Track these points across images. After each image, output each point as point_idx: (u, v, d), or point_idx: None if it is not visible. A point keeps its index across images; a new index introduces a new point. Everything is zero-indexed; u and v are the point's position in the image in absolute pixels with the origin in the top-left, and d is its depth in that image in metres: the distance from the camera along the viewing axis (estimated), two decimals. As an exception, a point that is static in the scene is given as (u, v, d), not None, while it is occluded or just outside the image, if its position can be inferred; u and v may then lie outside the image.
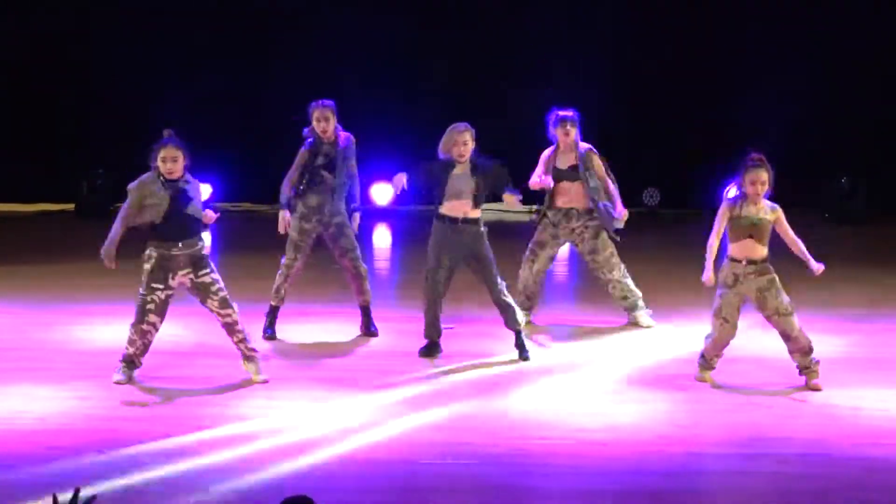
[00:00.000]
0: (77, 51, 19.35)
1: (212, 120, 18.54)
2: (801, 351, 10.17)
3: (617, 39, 19.16)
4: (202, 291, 10.04)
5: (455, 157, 10.80)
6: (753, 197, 10.14)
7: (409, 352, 11.01)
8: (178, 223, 9.90)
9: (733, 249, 10.14)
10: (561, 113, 12.05)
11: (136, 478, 8.00)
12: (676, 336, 11.80)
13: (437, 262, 10.82)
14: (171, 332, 10.88)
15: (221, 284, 10.06)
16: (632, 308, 12.18)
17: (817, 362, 10.17)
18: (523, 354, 10.86)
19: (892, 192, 19.02)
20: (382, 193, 19.88)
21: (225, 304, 10.07)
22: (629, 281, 12.16)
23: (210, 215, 10.18)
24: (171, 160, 9.92)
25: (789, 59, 18.88)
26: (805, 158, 19.02)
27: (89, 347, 11.16)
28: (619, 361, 10.97)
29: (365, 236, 18.52)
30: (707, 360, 10.27)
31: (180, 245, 9.89)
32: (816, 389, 10.07)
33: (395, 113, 19.34)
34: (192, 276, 9.98)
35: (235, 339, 10.17)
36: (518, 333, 10.89)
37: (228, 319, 10.11)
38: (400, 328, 11.83)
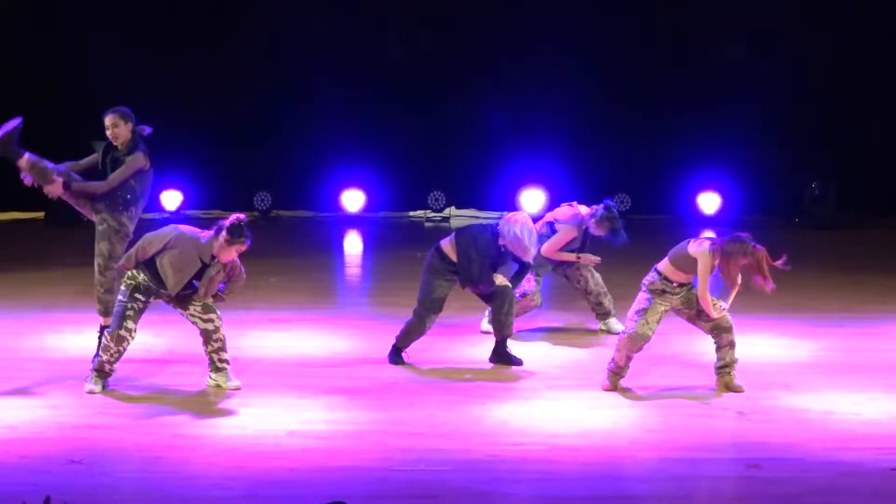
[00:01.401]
0: (47, 57, 19.26)
1: (183, 128, 18.48)
2: (731, 344, 10.18)
3: (591, 45, 19.18)
4: (184, 301, 10.03)
5: None
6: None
7: (380, 358, 11.01)
8: None
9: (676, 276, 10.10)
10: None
11: (107, 486, 7.99)
12: (651, 341, 11.80)
13: (434, 291, 10.84)
14: (142, 339, 10.84)
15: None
16: (605, 315, 12.21)
17: (737, 361, 10.21)
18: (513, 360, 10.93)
19: (862, 196, 19.10)
20: (353, 200, 19.82)
21: (207, 309, 10.05)
22: (603, 289, 12.19)
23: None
24: None
25: (759, 66, 18.95)
26: (775, 164, 19.12)
27: (60, 356, 11.12)
28: (591, 367, 10.98)
29: (336, 243, 18.53)
30: (619, 367, 10.27)
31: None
32: (739, 391, 10.13)
33: (367, 118, 19.31)
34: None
35: (209, 349, 10.15)
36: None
37: (210, 326, 10.08)
38: (371, 335, 11.83)
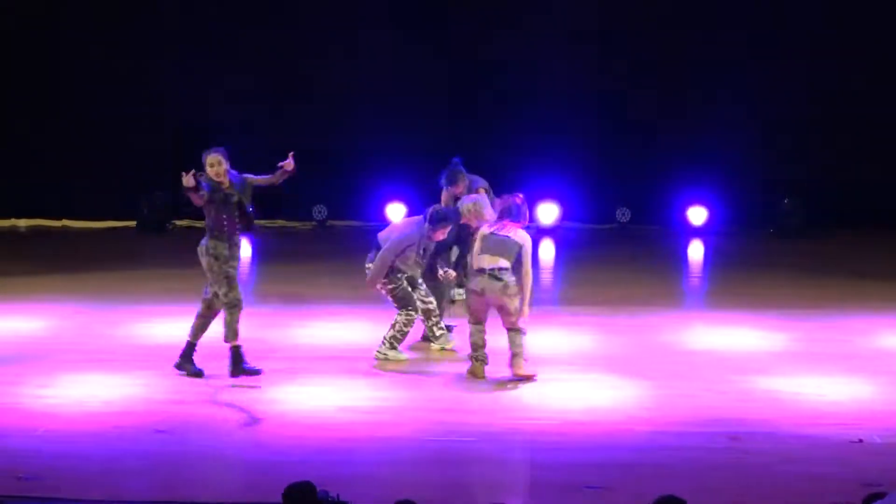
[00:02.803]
0: (143, 77, 19.20)
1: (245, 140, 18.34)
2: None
3: (593, 68, 19.11)
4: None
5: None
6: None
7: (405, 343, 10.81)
8: None
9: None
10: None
11: (187, 453, 8.02)
12: (646, 332, 11.77)
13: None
14: (215, 328, 10.86)
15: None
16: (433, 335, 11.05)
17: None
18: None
19: (827, 211, 18.97)
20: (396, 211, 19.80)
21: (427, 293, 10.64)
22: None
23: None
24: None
25: (738, 96, 18.86)
26: (754, 182, 19.03)
27: (149, 342, 11.14)
28: (595, 353, 10.95)
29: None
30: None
31: None
32: (530, 378, 9.86)
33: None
34: None
35: (429, 324, 10.65)
36: None
37: (430, 306, 10.59)
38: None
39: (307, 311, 12.47)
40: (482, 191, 11.69)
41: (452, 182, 11.81)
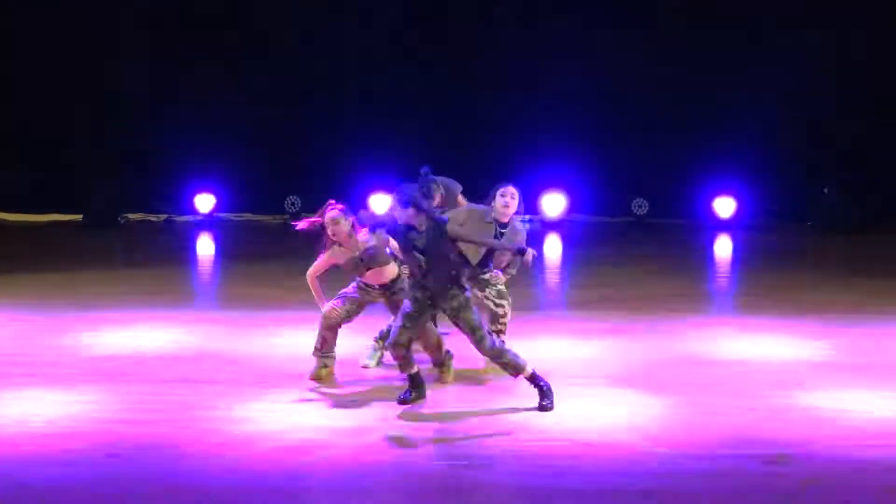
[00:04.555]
0: (90, 64, 19.33)
1: (217, 135, 18.56)
2: (436, 345, 10.29)
3: (613, 55, 19.19)
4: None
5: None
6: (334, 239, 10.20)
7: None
8: None
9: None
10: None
11: (140, 480, 7.99)
12: (667, 340, 11.78)
13: None
14: (173, 337, 10.84)
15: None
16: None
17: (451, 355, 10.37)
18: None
19: (874, 200, 19.02)
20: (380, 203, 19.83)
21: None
22: None
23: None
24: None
25: (772, 72, 18.91)
26: (788, 168, 19.07)
27: (97, 353, 11.13)
28: (610, 364, 10.95)
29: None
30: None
31: None
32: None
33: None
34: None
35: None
36: None
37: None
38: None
39: (280, 316, 12.46)
40: (460, 197, 11.73)
41: (428, 196, 11.80)
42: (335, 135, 19.84)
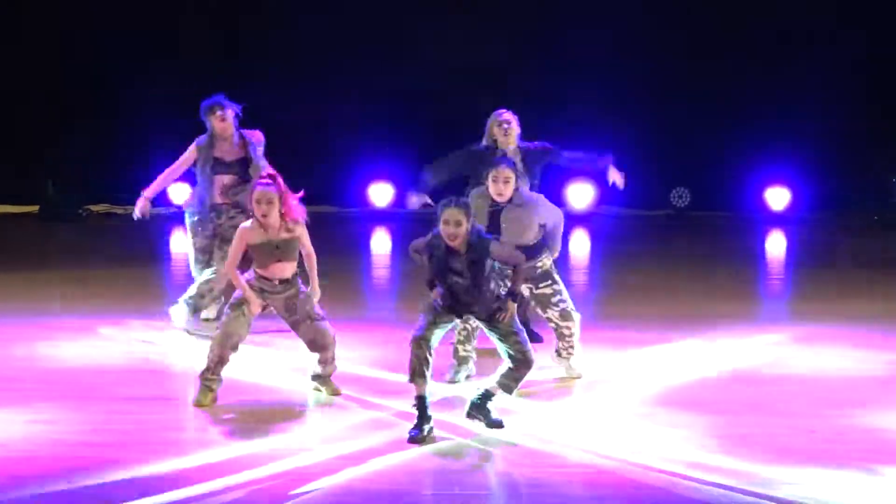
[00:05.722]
0: (47, 51, 19.43)
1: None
2: (328, 360, 10.36)
3: (652, 44, 19.26)
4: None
5: None
6: (261, 220, 10.05)
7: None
8: None
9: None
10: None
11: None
12: (712, 353, 11.79)
13: None
14: (141, 349, 10.86)
15: None
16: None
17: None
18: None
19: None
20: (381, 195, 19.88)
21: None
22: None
23: None
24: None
25: (830, 52, 18.96)
26: (851, 157, 19.09)
27: (55, 366, 11.15)
28: (643, 380, 10.96)
29: (363, 241, 18.55)
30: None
31: None
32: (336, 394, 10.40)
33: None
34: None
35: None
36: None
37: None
38: (400, 345, 11.81)
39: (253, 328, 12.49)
40: None
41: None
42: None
